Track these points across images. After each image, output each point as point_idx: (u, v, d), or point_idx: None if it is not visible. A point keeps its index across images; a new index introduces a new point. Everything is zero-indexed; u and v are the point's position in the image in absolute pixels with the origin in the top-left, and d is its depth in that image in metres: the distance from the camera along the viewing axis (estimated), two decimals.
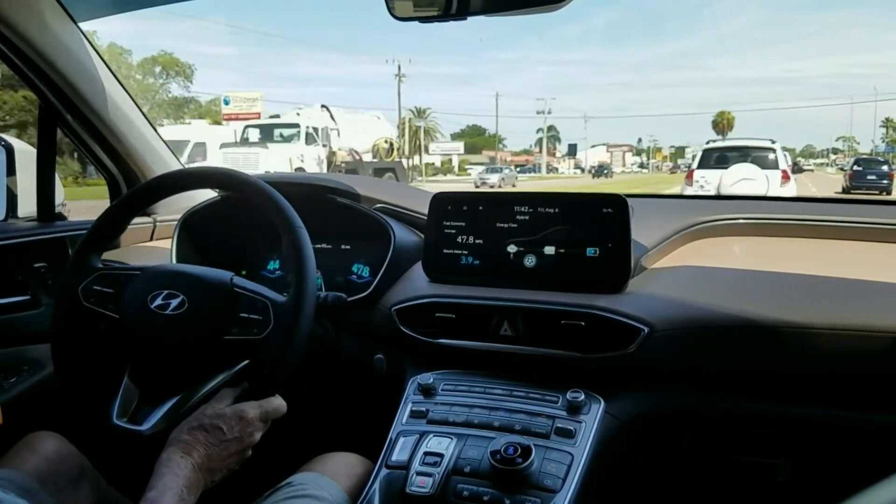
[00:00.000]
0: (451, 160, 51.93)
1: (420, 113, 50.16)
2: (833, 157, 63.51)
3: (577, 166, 63.92)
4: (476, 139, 69.08)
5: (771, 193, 7.80)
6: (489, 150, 62.71)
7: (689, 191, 8.71)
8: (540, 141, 67.58)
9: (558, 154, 68.14)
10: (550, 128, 68.30)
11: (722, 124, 62.54)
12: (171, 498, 0.66)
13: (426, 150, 42.81)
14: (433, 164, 46.37)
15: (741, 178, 8.17)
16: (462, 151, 51.36)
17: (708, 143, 9.96)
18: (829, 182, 23.64)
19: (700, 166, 9.22)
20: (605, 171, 44.23)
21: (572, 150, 66.64)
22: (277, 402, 0.83)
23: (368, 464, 0.94)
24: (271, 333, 0.82)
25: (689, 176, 9.26)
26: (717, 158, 9.16)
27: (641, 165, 56.92)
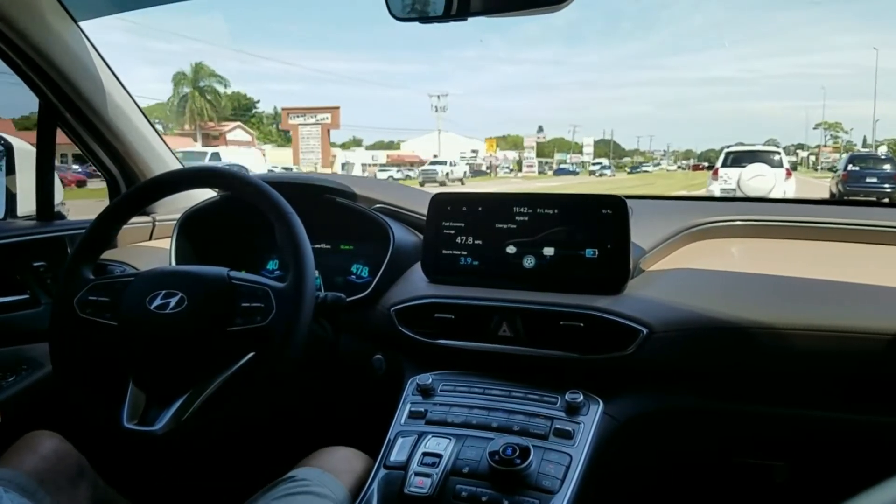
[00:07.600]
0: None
1: None
2: (802, 153, 47.58)
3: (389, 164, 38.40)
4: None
5: (778, 187, 9.97)
6: None
7: (715, 184, 10.95)
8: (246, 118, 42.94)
9: (343, 149, 43.15)
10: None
11: None
12: None
13: None
14: None
15: (756, 175, 10.11)
16: None
17: (729, 146, 12.34)
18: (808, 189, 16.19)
19: (723, 165, 11.46)
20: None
21: None
22: None
23: (368, 459, 0.93)
24: (275, 319, 0.82)
25: (715, 173, 11.49)
26: (734, 159, 11.37)
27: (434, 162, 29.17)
